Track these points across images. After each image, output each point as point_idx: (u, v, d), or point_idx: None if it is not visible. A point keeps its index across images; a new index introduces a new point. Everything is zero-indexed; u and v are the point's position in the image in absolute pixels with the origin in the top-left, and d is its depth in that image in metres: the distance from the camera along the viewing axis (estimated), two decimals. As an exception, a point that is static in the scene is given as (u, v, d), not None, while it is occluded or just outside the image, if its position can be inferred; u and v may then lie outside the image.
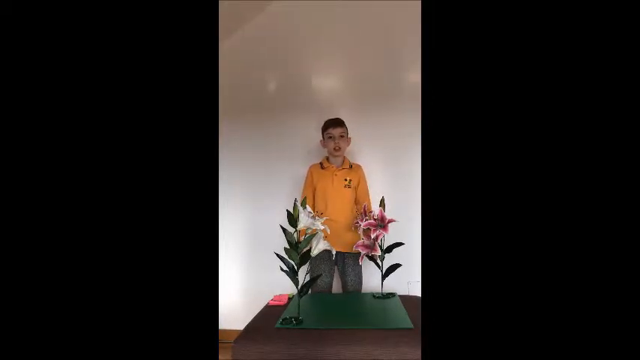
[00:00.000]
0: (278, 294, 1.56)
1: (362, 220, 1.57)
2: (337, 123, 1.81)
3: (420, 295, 1.55)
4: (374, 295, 1.52)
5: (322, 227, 1.23)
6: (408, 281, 1.99)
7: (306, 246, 1.21)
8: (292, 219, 1.21)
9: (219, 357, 1.47)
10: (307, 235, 1.22)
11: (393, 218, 1.50)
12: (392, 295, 1.51)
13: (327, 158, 1.87)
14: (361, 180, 1.87)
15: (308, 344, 1.04)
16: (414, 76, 2.10)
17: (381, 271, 1.51)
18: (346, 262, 1.77)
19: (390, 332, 1.10)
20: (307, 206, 1.23)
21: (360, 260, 1.57)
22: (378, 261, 1.53)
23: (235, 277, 2.23)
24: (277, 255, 1.21)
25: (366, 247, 1.55)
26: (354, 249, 1.61)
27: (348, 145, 1.87)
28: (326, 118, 1.86)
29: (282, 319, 1.20)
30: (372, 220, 1.51)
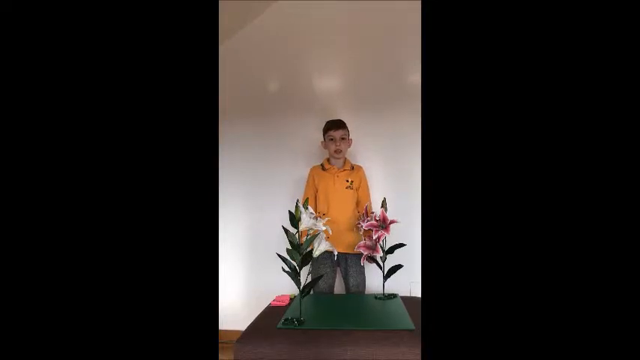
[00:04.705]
0: (279, 294, 1.56)
1: (363, 221, 1.56)
2: (338, 125, 1.80)
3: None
4: (375, 296, 1.51)
5: (324, 228, 1.23)
6: (410, 282, 1.99)
7: (307, 247, 1.21)
8: (294, 220, 1.21)
9: (220, 357, 1.46)
10: (309, 236, 1.22)
11: (395, 219, 1.50)
12: (393, 296, 1.50)
13: (328, 159, 1.87)
14: (362, 181, 1.87)
15: (310, 345, 1.04)
16: (414, 76, 2.10)
17: (383, 272, 1.51)
18: (349, 263, 1.77)
19: (391, 333, 1.10)
20: (309, 207, 1.23)
21: (362, 261, 1.57)
22: (380, 262, 1.53)
23: (236, 278, 2.24)
24: (279, 256, 1.21)
25: (367, 247, 1.55)
26: (355, 250, 1.61)
27: (349, 146, 1.86)
28: (326, 118, 1.86)
29: (284, 320, 1.20)
30: (374, 221, 1.51)
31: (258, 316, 1.31)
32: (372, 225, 1.50)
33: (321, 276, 1.44)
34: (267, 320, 1.24)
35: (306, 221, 1.21)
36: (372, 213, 1.59)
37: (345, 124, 1.82)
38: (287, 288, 1.54)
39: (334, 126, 1.80)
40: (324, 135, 1.85)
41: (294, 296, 1.49)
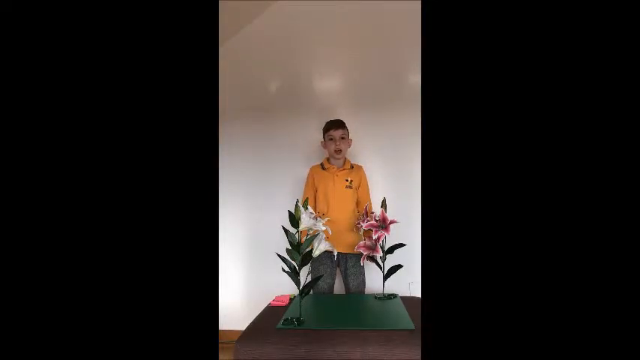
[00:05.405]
0: (279, 294, 1.56)
1: (363, 221, 1.56)
2: (338, 125, 1.80)
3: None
4: (375, 297, 1.51)
5: (324, 228, 1.24)
6: (410, 282, 1.99)
7: (307, 247, 1.21)
8: (294, 220, 1.21)
9: (220, 357, 1.46)
10: (309, 236, 1.22)
11: (395, 219, 1.50)
12: (393, 296, 1.51)
13: (328, 159, 1.87)
14: (362, 181, 1.87)
15: (309, 345, 1.04)
16: (414, 76, 2.10)
17: (383, 272, 1.51)
18: (349, 263, 1.77)
19: (391, 333, 1.10)
20: (309, 207, 1.23)
21: (361, 261, 1.57)
22: (380, 262, 1.53)
23: (236, 278, 2.24)
24: (279, 255, 1.21)
25: (367, 247, 1.55)
26: (355, 250, 1.61)
27: (349, 146, 1.86)
28: (326, 119, 1.86)
29: (284, 320, 1.20)
30: (374, 221, 1.51)
31: (257, 316, 1.31)
32: (371, 225, 1.50)
33: (321, 276, 1.44)
34: (267, 320, 1.24)
35: (305, 221, 1.21)
36: (372, 213, 1.59)
37: (344, 123, 1.82)
38: (287, 288, 1.54)
39: (334, 126, 1.80)
40: (323, 135, 1.85)
41: (294, 296, 1.49)
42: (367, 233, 1.58)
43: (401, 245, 1.50)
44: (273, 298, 1.52)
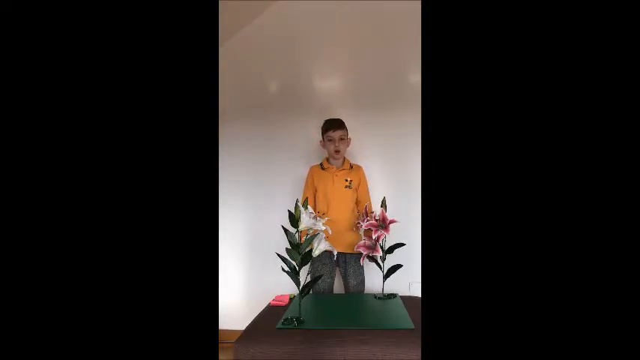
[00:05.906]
0: (279, 294, 1.56)
1: (363, 221, 1.56)
2: (337, 125, 1.79)
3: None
4: (375, 296, 1.51)
5: (323, 228, 1.24)
6: (410, 282, 1.99)
7: (307, 246, 1.21)
8: (294, 219, 1.21)
9: (220, 357, 1.47)
10: (309, 236, 1.22)
11: (395, 219, 1.50)
12: (393, 295, 1.51)
13: (327, 159, 1.87)
14: (362, 180, 1.87)
15: (309, 345, 1.04)
16: (414, 76, 2.10)
17: (382, 271, 1.51)
18: (348, 263, 1.77)
19: (391, 333, 1.10)
20: (309, 207, 1.23)
21: (361, 260, 1.57)
22: (379, 262, 1.53)
23: (236, 278, 2.24)
24: (279, 255, 1.21)
25: (367, 247, 1.55)
26: (355, 249, 1.61)
27: (348, 146, 1.86)
28: (326, 118, 1.86)
29: (284, 320, 1.20)
30: (374, 221, 1.51)
31: (257, 316, 1.31)
32: (371, 225, 1.50)
33: (321, 276, 1.45)
34: (267, 320, 1.24)
35: (305, 221, 1.21)
36: (372, 212, 1.59)
37: (343, 123, 1.82)
38: (287, 288, 1.54)
39: (333, 126, 1.79)
40: (322, 135, 1.84)
41: (294, 296, 1.50)
42: (367, 233, 1.58)
43: (401, 245, 1.50)
44: (273, 297, 1.52)
